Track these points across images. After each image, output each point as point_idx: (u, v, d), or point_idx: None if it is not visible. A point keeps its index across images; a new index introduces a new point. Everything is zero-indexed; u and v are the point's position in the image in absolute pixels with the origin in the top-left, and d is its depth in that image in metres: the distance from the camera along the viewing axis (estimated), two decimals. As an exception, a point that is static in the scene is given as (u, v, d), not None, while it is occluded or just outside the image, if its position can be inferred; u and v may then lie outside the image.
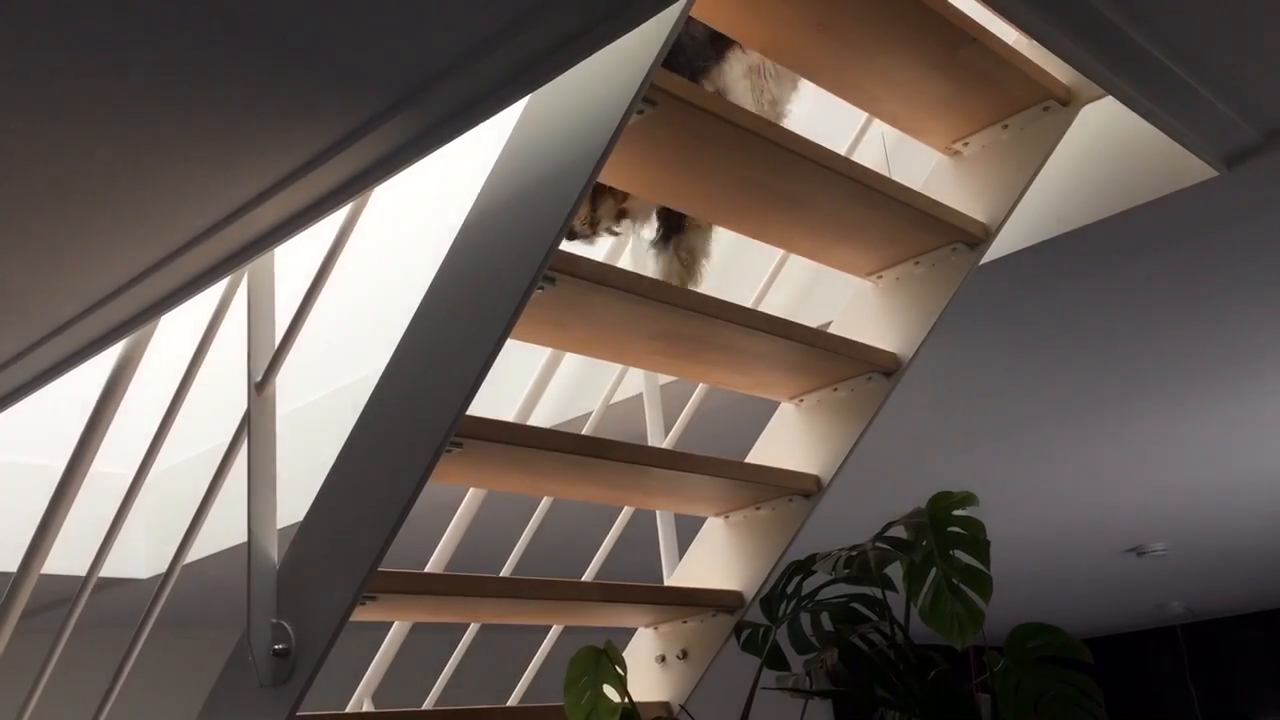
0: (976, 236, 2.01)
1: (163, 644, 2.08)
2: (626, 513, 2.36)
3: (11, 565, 1.91)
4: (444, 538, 2.36)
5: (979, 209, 2.03)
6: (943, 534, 1.69)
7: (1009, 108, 2.01)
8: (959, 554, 1.68)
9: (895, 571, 1.68)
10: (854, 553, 1.69)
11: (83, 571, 1.87)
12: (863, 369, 2.03)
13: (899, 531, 1.71)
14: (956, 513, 1.69)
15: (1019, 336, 2.75)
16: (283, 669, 1.53)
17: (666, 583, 2.20)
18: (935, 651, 1.64)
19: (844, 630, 1.70)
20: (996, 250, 2.09)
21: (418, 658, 2.59)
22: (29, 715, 1.88)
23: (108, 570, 1.94)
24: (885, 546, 1.68)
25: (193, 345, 1.81)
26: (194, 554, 1.89)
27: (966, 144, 2.08)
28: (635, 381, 2.43)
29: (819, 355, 1.97)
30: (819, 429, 2.09)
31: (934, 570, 1.69)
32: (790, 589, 1.79)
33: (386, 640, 2.39)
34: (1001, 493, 4.13)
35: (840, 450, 2.06)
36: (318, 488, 1.62)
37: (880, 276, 2.10)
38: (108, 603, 3.10)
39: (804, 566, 1.77)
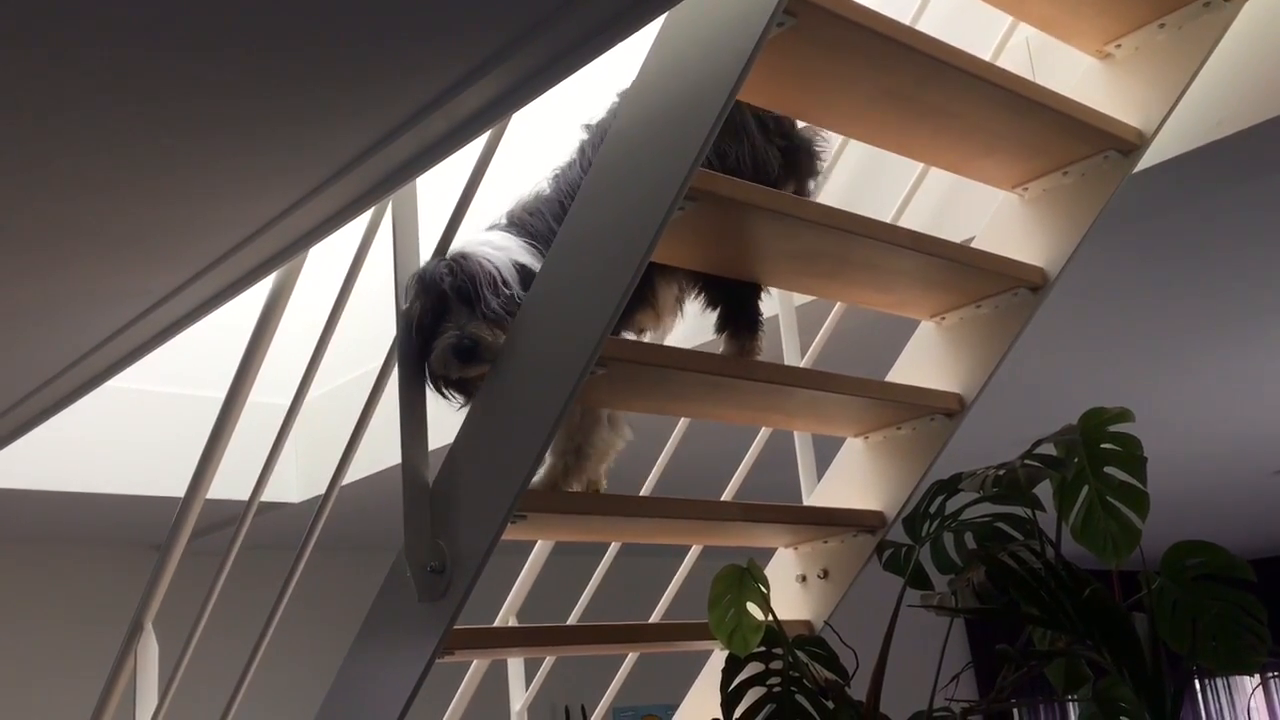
0: (1130, 143, 1.93)
1: (317, 565, 2.16)
2: (764, 434, 2.36)
3: (179, 491, 2.01)
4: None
5: (1132, 114, 1.94)
6: (1096, 451, 1.65)
7: (1166, 5, 1.91)
8: (1113, 471, 1.64)
9: (1043, 492, 1.64)
10: (1002, 471, 1.66)
11: (241, 497, 1.95)
12: (1008, 285, 1.98)
13: (1048, 449, 1.67)
14: (1111, 429, 1.64)
15: (1172, 247, 2.64)
16: (438, 585, 1.57)
17: (806, 503, 2.20)
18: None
19: (992, 547, 1.67)
20: (1150, 158, 2.00)
21: (556, 582, 2.65)
22: (200, 631, 1.98)
23: (263, 496, 2.01)
24: (1035, 464, 1.65)
25: (340, 275, 1.85)
26: (347, 477, 1.95)
27: (1119, 45, 1.98)
28: (771, 303, 2.41)
29: (963, 271, 1.93)
30: (961, 347, 2.05)
31: (1086, 488, 1.65)
32: (933, 509, 1.76)
33: (530, 559, 2.45)
34: (1147, 411, 3.97)
35: (983, 369, 2.01)
36: (466, 410, 1.65)
37: (1026, 188, 2.03)
38: (261, 526, 3.24)
39: (948, 486, 1.74)
